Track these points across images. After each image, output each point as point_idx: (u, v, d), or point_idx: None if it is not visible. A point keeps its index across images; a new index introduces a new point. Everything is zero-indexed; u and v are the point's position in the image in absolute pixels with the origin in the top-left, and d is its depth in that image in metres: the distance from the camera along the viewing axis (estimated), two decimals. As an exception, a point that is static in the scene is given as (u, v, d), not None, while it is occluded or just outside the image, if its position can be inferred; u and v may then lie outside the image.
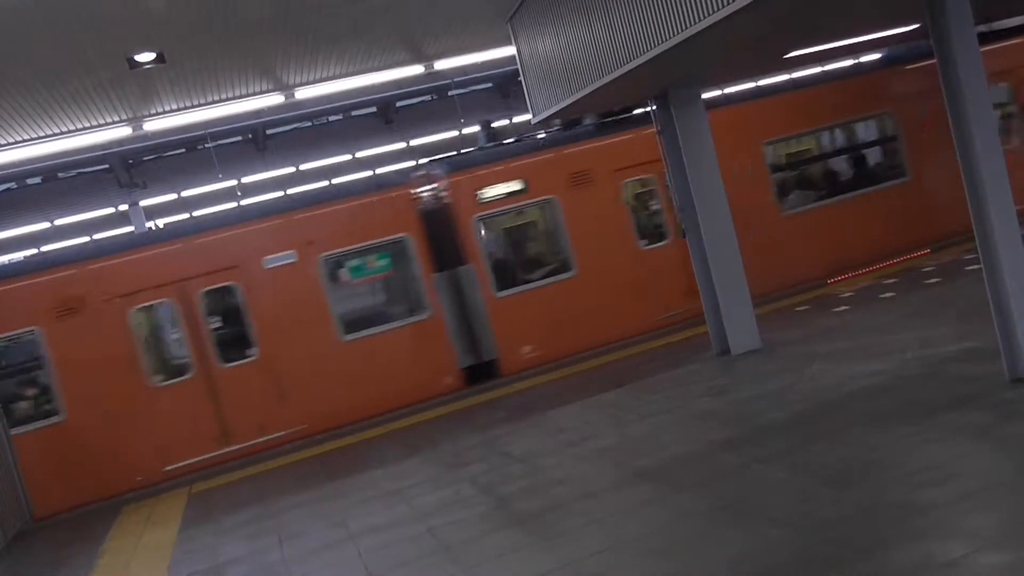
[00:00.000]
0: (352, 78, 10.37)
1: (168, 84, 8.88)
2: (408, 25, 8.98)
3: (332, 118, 18.57)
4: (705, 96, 9.46)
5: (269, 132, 18.08)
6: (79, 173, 17.74)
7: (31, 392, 10.81)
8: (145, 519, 8.84)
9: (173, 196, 18.67)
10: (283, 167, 18.65)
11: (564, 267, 11.90)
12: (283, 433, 10.76)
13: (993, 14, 10.71)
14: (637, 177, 12.15)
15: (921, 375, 6.97)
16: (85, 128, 9.75)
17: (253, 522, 7.66)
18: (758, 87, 14.57)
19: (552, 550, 5.25)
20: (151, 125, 10.24)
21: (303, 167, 19.06)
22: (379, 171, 19.04)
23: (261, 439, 10.72)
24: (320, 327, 10.96)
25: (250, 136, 18.08)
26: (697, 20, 5.84)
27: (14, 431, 10.07)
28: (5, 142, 9.47)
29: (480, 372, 11.56)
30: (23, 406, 10.72)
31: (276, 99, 10.48)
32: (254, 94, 10.15)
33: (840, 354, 8.31)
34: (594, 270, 11.73)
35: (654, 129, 9.64)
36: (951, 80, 6.00)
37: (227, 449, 10.64)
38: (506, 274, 11.91)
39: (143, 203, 18.35)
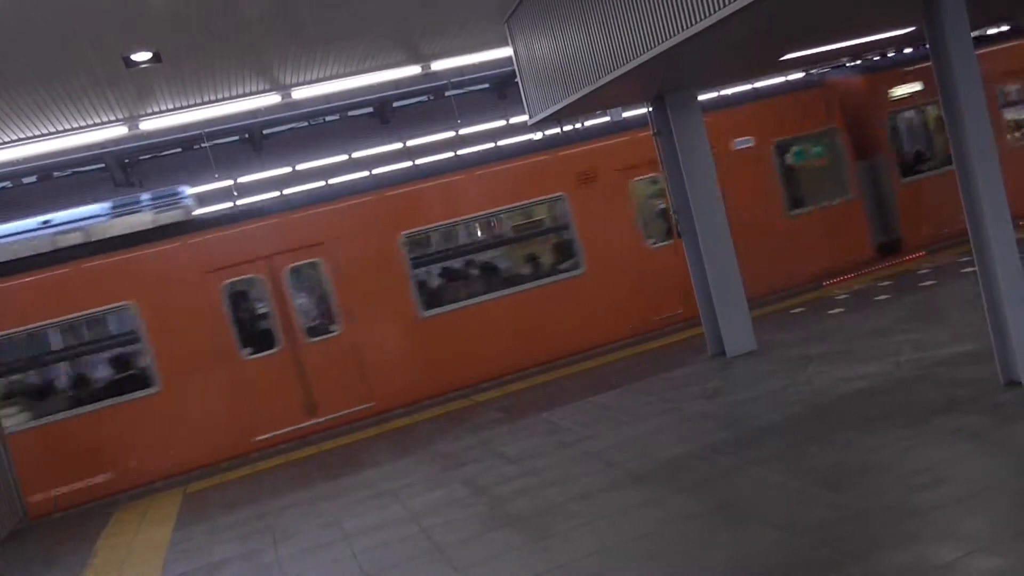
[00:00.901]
0: (349, 78, 10.35)
1: (164, 83, 8.85)
2: (405, 25, 8.97)
3: (329, 118, 18.47)
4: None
5: (265, 132, 18.00)
6: (74, 172, 17.64)
7: (557, 247, 12.55)
8: (140, 518, 8.82)
9: (169, 195, 18.62)
10: (279, 167, 18.57)
11: (948, 160, 13.37)
12: None
13: (990, 18, 10.74)
14: (1014, 85, 14.12)
15: (916, 378, 6.99)
16: (81, 127, 9.71)
17: (247, 522, 7.65)
18: None
19: (546, 551, 5.25)
20: (147, 124, 10.19)
21: (299, 167, 19.00)
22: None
23: None
24: (770, 203, 12.73)
25: (246, 136, 18.00)
26: (694, 22, 5.85)
27: (537, 283, 11.93)
28: (0, 141, 9.44)
29: (887, 249, 13.53)
30: (546, 261, 12.51)
31: (273, 99, 10.45)
32: (251, 94, 10.12)
33: (835, 356, 8.33)
34: None
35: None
36: (947, 84, 6.03)
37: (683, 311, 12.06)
38: (907, 164, 13.85)
39: (139, 202, 18.32)
